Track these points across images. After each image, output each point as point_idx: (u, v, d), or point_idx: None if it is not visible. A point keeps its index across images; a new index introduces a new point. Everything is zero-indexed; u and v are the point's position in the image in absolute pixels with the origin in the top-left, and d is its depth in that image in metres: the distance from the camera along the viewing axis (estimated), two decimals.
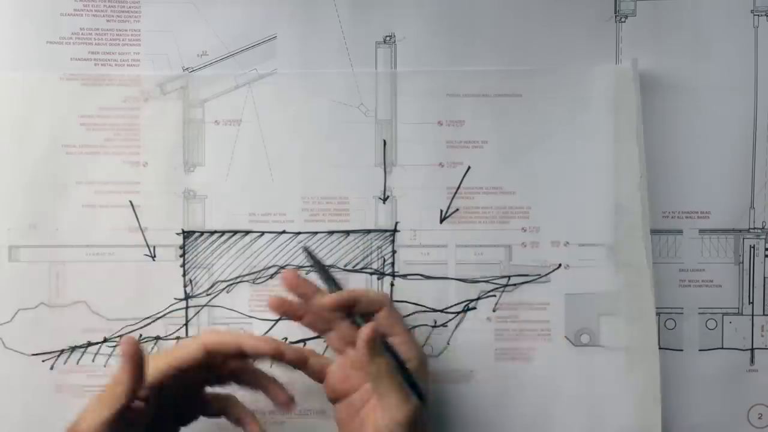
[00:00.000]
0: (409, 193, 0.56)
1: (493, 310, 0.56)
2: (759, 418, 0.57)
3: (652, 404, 0.55)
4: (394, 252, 0.56)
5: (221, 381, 0.50)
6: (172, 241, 0.56)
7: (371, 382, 0.47)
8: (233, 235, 0.56)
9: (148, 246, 0.56)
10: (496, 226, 0.57)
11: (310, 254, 0.52)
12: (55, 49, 0.56)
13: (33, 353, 0.55)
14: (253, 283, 0.56)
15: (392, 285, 0.56)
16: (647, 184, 0.56)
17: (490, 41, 0.57)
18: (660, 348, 0.56)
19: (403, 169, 0.56)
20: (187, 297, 0.56)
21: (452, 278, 0.56)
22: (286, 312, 0.50)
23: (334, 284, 0.51)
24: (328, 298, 0.49)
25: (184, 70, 0.56)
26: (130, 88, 0.56)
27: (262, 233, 0.56)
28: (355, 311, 0.49)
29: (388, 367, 0.46)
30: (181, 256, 0.56)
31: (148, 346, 0.55)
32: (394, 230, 0.56)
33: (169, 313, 0.56)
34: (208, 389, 0.50)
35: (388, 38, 0.57)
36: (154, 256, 0.56)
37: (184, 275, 0.56)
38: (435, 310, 0.56)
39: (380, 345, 0.47)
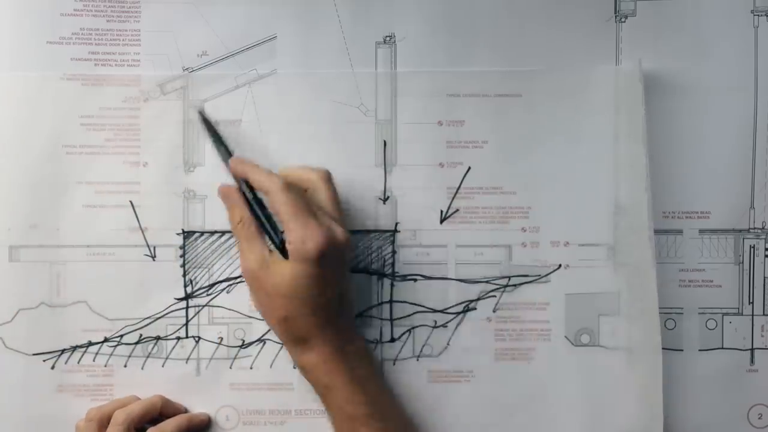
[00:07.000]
0: (409, 193, 0.56)
1: (493, 311, 0.56)
2: (759, 418, 0.57)
3: (653, 404, 0.55)
4: (394, 252, 0.56)
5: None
6: (172, 241, 0.56)
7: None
8: (233, 235, 0.56)
9: (148, 246, 0.56)
10: (496, 226, 0.57)
11: (204, 118, 0.55)
12: (55, 49, 0.55)
13: (34, 353, 0.55)
14: None
15: (392, 286, 0.56)
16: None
17: (490, 41, 0.57)
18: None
19: (403, 169, 0.56)
20: (187, 297, 0.56)
21: (452, 278, 0.56)
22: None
23: (225, 149, 0.54)
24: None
25: (184, 70, 0.56)
26: (130, 88, 0.56)
27: None
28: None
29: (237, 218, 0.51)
30: (181, 256, 0.56)
31: (148, 346, 0.56)
32: (395, 230, 0.56)
33: (169, 313, 0.56)
34: None
35: (388, 38, 0.57)
36: (154, 256, 0.56)
37: (184, 275, 0.56)
38: (435, 311, 0.56)
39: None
